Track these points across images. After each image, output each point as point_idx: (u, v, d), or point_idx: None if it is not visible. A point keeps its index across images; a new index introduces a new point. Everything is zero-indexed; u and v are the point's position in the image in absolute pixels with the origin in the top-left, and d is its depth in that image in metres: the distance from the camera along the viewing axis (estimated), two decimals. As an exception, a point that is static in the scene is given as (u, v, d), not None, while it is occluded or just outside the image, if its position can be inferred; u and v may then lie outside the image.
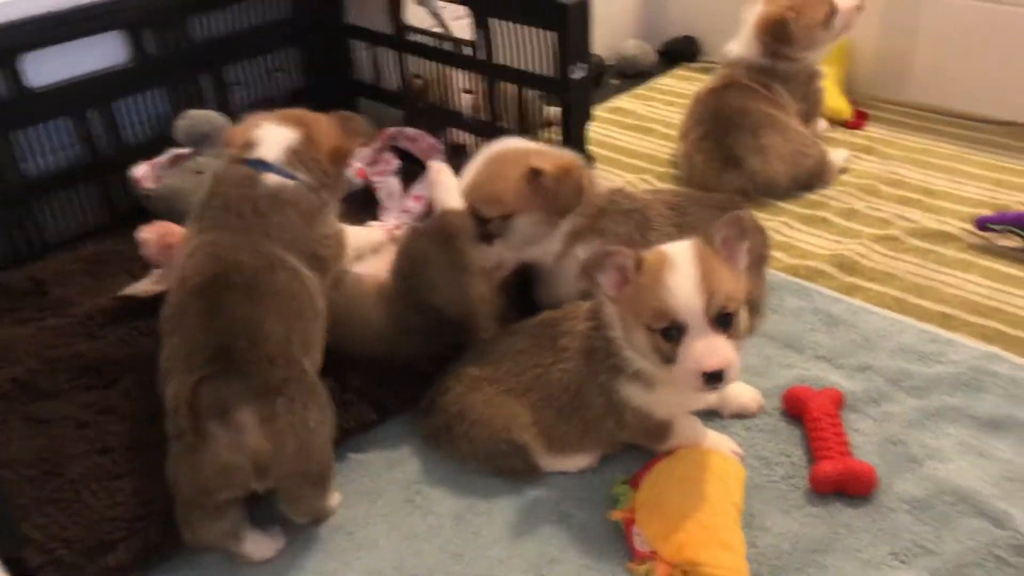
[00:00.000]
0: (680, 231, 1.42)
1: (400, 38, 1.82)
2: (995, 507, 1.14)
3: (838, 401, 1.31)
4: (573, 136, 1.52)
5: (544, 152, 1.38)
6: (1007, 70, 2.08)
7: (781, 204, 1.86)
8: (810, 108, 1.94)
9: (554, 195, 1.34)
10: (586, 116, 1.53)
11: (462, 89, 1.81)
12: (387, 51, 1.88)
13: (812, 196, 1.88)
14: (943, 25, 2.14)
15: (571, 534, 1.16)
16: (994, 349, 1.42)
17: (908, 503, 1.17)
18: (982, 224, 1.67)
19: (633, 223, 1.43)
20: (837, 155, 1.97)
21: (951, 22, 2.13)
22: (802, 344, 1.46)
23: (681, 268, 1.07)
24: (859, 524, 1.15)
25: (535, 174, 1.32)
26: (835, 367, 1.41)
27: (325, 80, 1.92)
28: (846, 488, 1.18)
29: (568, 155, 1.39)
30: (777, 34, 1.87)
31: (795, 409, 1.30)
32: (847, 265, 1.65)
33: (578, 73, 1.49)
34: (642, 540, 1.10)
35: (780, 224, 1.78)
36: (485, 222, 1.35)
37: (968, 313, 1.51)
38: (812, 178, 1.90)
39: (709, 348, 1.05)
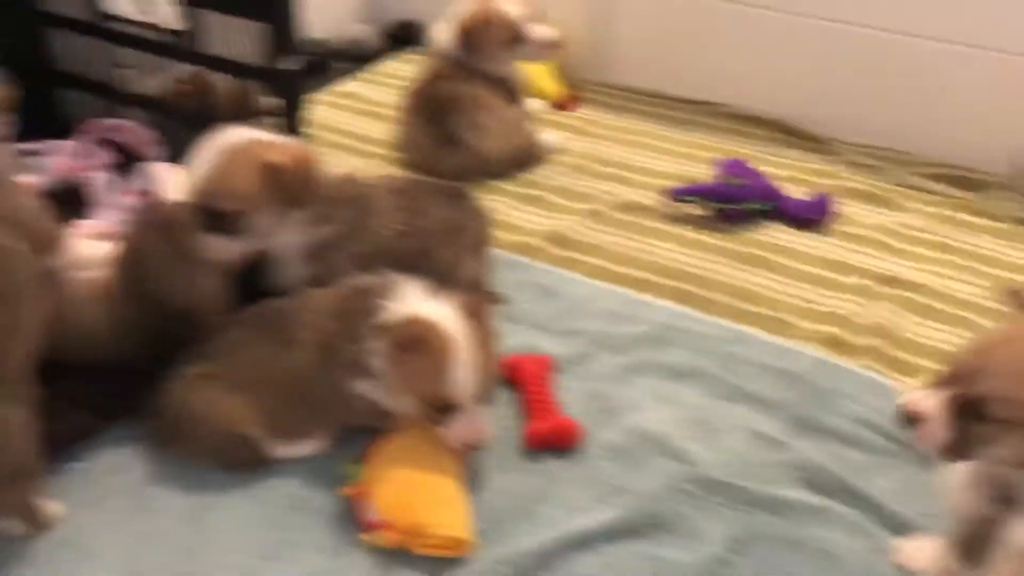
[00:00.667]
0: (405, 215, 1.49)
1: (100, 26, 1.73)
2: (681, 447, 1.31)
3: (548, 364, 1.43)
4: (291, 126, 1.53)
5: (276, 144, 1.39)
6: (697, 53, 2.32)
7: (500, 185, 1.98)
8: (512, 95, 2.07)
9: (291, 189, 1.35)
10: (301, 106, 1.55)
11: (176, 80, 1.76)
12: (89, 39, 1.78)
13: (528, 176, 2.02)
14: (640, 10, 2.35)
15: (307, 518, 1.20)
16: (683, 308, 1.61)
17: (608, 450, 1.31)
18: (677, 195, 1.87)
19: (358, 209, 1.47)
20: (549, 136, 2.12)
21: (647, 8, 2.34)
22: (520, 316, 1.58)
23: (462, 356, 1.18)
24: (568, 475, 1.27)
25: (271, 168, 1.33)
26: (548, 334, 1.54)
27: (16, 68, 1.80)
28: (556, 443, 1.31)
29: (299, 146, 1.41)
30: (467, 41, 1.98)
31: (510, 376, 1.41)
32: (560, 240, 1.80)
33: (289, 64, 1.51)
34: (373, 511, 1.16)
35: (499, 204, 1.90)
36: (220, 216, 1.34)
37: (662, 277, 1.70)
38: (526, 157, 2.03)
39: (473, 425, 1.21)
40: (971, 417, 0.93)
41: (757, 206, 1.85)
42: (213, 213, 1.34)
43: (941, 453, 0.96)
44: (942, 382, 0.96)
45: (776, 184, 1.90)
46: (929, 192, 1.99)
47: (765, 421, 1.37)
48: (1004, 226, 1.88)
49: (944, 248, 1.80)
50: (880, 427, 1.35)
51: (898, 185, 2.01)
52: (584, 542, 1.17)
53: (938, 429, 0.94)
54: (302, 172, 1.36)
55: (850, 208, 1.91)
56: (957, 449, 0.95)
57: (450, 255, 1.52)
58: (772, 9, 2.19)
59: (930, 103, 2.08)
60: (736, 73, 2.29)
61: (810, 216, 1.85)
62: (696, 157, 2.10)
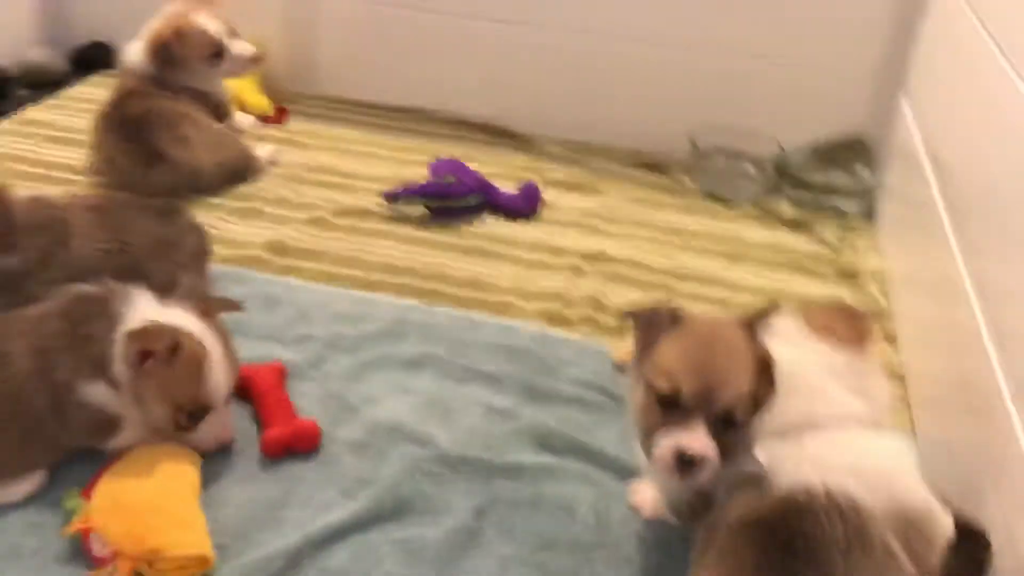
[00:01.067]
0: (109, 232, 1.42)
1: None
2: (420, 431, 1.35)
3: (280, 372, 1.42)
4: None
5: None
6: (401, 62, 2.38)
7: (215, 201, 1.92)
8: (217, 110, 2.02)
9: None
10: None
11: None
12: None
13: (244, 190, 1.98)
14: (341, 22, 2.38)
15: (23, 569, 1.10)
16: (410, 302, 1.66)
17: (349, 446, 1.32)
18: (390, 197, 1.92)
19: (52, 235, 1.38)
20: (264, 150, 2.09)
21: (347, 19, 2.37)
22: (246, 328, 1.54)
23: (215, 359, 1.19)
24: (311, 475, 1.27)
25: None
26: (278, 343, 1.52)
27: None
28: (295, 446, 1.30)
29: None
30: (160, 56, 1.92)
31: (242, 387, 1.38)
32: (281, 249, 1.78)
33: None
34: (102, 544, 1.09)
35: (216, 219, 1.84)
36: None
37: (389, 275, 1.73)
38: (239, 170, 1.99)
39: (223, 424, 1.25)
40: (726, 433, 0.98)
41: (471, 201, 1.93)
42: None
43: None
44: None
45: (486, 179, 1.99)
46: (624, 177, 2.18)
47: (497, 396, 1.44)
48: (684, 201, 2.10)
49: (640, 225, 1.98)
50: (599, 386, 1.46)
51: (597, 174, 2.18)
52: (332, 537, 1.17)
53: (712, 463, 0.96)
54: None
55: (556, 197, 2.05)
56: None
57: (164, 270, 1.46)
58: (465, 16, 2.29)
59: (617, 96, 2.27)
60: (441, 79, 2.38)
61: (520, 207, 1.97)
62: (412, 161, 2.16)
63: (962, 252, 1.36)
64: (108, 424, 1.20)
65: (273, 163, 2.08)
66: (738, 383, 0.97)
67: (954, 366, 1.31)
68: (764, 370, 0.99)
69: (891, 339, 1.65)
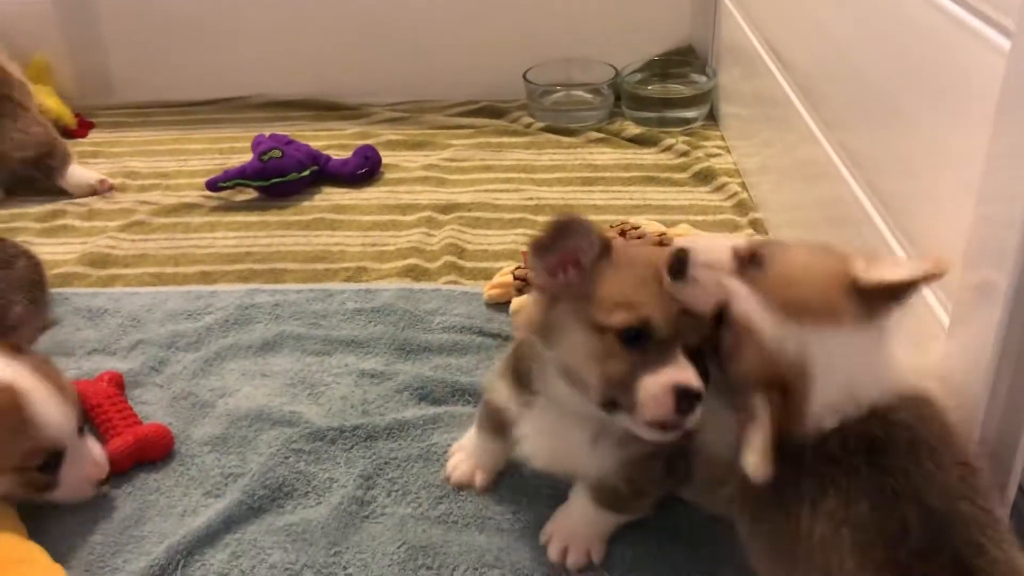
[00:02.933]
0: None
1: None
2: (286, 412, 1.20)
3: (116, 381, 1.24)
4: None
5: None
6: (203, 54, 2.21)
7: (16, 224, 1.70)
8: None
9: None
10: None
11: None
12: None
13: (49, 207, 1.77)
14: (125, 26, 2.18)
15: None
16: (253, 286, 1.50)
17: (208, 444, 1.16)
18: (212, 185, 1.75)
19: None
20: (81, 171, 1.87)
21: (131, 22, 2.17)
22: (71, 347, 1.36)
23: (39, 396, 1.01)
24: (169, 483, 1.10)
25: None
26: (109, 355, 1.34)
27: None
28: (145, 456, 1.13)
29: None
30: None
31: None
32: (99, 261, 1.59)
33: None
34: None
35: (21, 241, 1.62)
36: None
37: (224, 264, 1.57)
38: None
39: (90, 461, 1.05)
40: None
41: (303, 173, 1.79)
42: None
43: None
44: None
45: (316, 150, 1.85)
46: (463, 127, 2.07)
47: (366, 359, 1.30)
48: (528, 138, 2.01)
49: (486, 169, 1.88)
50: (473, 328, 1.35)
51: (434, 129, 2.07)
52: (203, 542, 1.01)
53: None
54: None
55: (396, 158, 1.93)
56: None
57: None
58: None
59: (443, 50, 2.17)
60: (250, 63, 2.22)
61: (357, 172, 1.83)
62: (234, 150, 1.99)
63: (823, 131, 1.32)
64: None
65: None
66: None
67: (836, 239, 1.26)
68: None
69: (762, 229, 1.61)
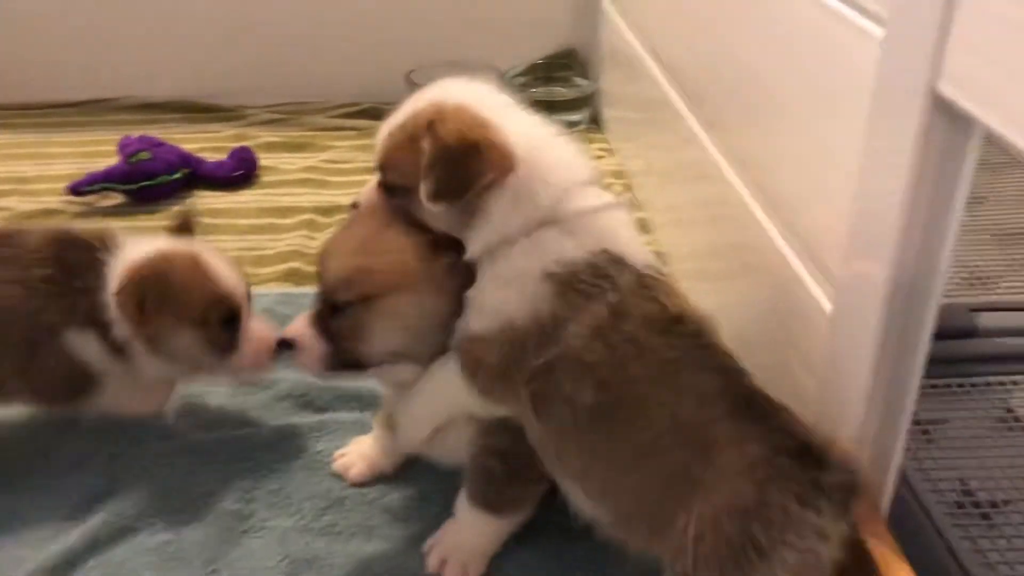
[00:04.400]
0: None
1: None
2: (157, 424, 1.13)
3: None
4: None
5: None
6: (73, 54, 2.08)
7: None
8: None
9: None
10: None
11: None
12: None
13: None
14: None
15: None
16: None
17: (73, 463, 1.07)
18: (75, 190, 1.64)
19: None
20: None
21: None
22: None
23: (215, 258, 1.05)
24: (23, 505, 1.02)
25: None
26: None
27: None
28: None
29: None
30: None
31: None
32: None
33: None
34: None
35: None
36: None
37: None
38: None
39: (259, 336, 1.04)
40: (335, 317, 0.85)
41: (174, 175, 1.70)
42: None
43: (324, 369, 0.87)
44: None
45: (188, 152, 1.77)
46: (345, 129, 2.02)
47: (244, 368, 1.24)
48: (415, 141, 1.98)
49: (369, 171, 1.81)
50: (359, 332, 1.31)
51: (315, 131, 2.02)
52: (65, 565, 0.93)
53: (312, 347, 0.86)
54: None
55: (273, 161, 1.86)
56: (338, 359, 0.87)
57: None
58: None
59: (324, 52, 2.11)
60: (121, 64, 2.11)
61: (233, 174, 1.76)
62: (101, 153, 1.87)
63: (706, 131, 1.34)
64: (84, 381, 1.03)
65: None
66: (341, 264, 0.85)
67: (721, 238, 1.28)
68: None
69: (646, 229, 1.62)
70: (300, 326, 0.87)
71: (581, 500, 0.83)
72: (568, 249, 0.80)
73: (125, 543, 0.97)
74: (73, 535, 0.96)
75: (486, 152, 0.79)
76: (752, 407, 0.75)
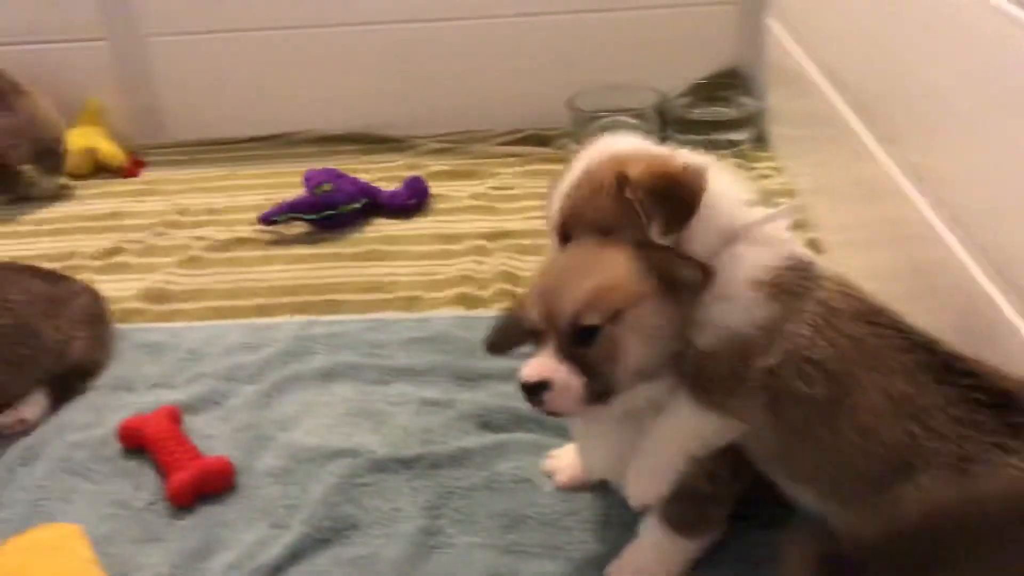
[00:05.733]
0: None
1: None
2: (347, 443, 1.20)
3: (173, 415, 1.24)
4: None
5: None
6: (250, 91, 2.24)
7: (73, 263, 1.73)
8: None
9: None
10: None
11: None
12: None
13: (104, 245, 1.79)
14: (174, 65, 2.22)
15: None
16: (310, 317, 1.51)
17: (271, 475, 1.16)
18: (266, 219, 1.76)
19: None
20: None
21: (180, 60, 2.21)
22: (132, 382, 1.37)
23: None
24: (232, 516, 1.10)
25: None
26: (170, 388, 1.35)
27: None
28: (206, 488, 1.13)
29: None
30: None
31: (134, 440, 1.21)
32: (158, 296, 1.61)
33: None
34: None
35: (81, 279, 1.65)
36: None
37: (280, 296, 1.58)
38: None
39: None
40: (584, 345, 0.82)
41: (354, 205, 1.80)
42: None
43: (581, 405, 0.83)
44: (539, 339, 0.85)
45: (366, 183, 1.86)
46: (511, 156, 2.08)
47: (425, 388, 1.30)
48: (578, 164, 2.01)
49: (535, 196, 1.87)
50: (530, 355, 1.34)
51: (482, 158, 2.08)
52: (271, 574, 1.00)
53: (568, 384, 0.82)
54: None
55: (444, 188, 1.93)
56: (592, 391, 0.83)
57: (56, 328, 1.34)
58: (302, 27, 2.16)
59: (488, 80, 2.18)
60: (295, 99, 2.24)
61: (407, 203, 1.84)
62: (284, 184, 1.99)
63: (882, 147, 1.30)
64: None
65: None
66: (579, 288, 0.82)
67: (902, 257, 1.24)
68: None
69: (818, 249, 1.58)
70: (547, 365, 0.82)
71: (797, 491, 0.87)
72: (764, 257, 0.85)
73: (323, 555, 1.03)
74: (277, 545, 1.03)
75: (687, 179, 0.84)
76: (951, 371, 0.80)
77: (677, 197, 0.83)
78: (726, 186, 0.91)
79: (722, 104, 2.07)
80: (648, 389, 0.86)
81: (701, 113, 2.05)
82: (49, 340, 1.33)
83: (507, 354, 0.97)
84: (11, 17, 2.15)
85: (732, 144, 2.00)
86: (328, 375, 1.35)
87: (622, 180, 0.85)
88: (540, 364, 0.82)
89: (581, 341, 0.82)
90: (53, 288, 1.41)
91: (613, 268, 0.83)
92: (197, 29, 2.19)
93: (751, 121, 2.02)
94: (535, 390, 0.82)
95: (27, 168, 2.02)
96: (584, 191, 0.89)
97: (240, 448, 1.21)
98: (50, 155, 2.03)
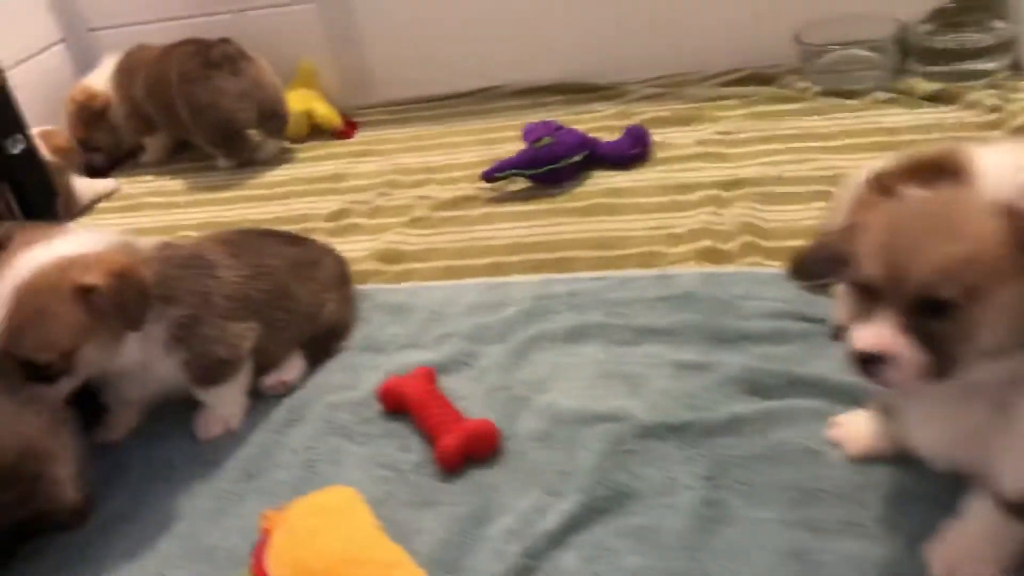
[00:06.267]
0: (245, 259, 1.30)
1: None
2: (607, 407, 1.16)
3: (430, 376, 1.24)
4: (37, 215, 1.27)
5: (83, 256, 1.09)
6: (456, 47, 2.22)
7: (308, 225, 1.77)
8: None
9: (121, 310, 1.08)
10: (47, 191, 1.29)
11: None
12: None
13: (333, 208, 1.82)
14: (382, 24, 2.22)
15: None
16: (546, 275, 1.48)
17: (534, 439, 1.13)
18: (488, 176, 1.74)
19: (197, 273, 1.23)
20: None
21: (387, 20, 2.21)
22: (381, 343, 1.38)
23: None
24: (502, 481, 1.09)
25: (89, 294, 1.05)
26: (420, 348, 1.35)
27: None
28: (475, 452, 1.12)
29: (112, 246, 1.13)
30: None
31: (394, 401, 1.21)
32: (391, 256, 1.62)
33: (16, 147, 1.25)
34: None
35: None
36: (35, 366, 1.06)
37: (511, 255, 1.56)
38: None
39: None
40: (934, 319, 0.72)
41: (575, 158, 1.74)
42: (26, 364, 1.06)
43: (921, 383, 0.73)
44: (860, 298, 0.76)
45: (585, 134, 1.81)
46: (732, 98, 1.97)
47: (679, 350, 1.24)
48: (806, 104, 1.88)
49: (765, 140, 1.77)
50: (792, 313, 1.25)
51: (700, 102, 1.98)
52: (553, 542, 0.98)
53: (909, 359, 0.72)
54: (131, 284, 1.09)
55: (665, 136, 1.85)
56: (935, 368, 0.73)
57: (310, 291, 1.37)
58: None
59: (702, 17, 2.05)
60: (502, 53, 2.20)
61: (630, 153, 1.77)
62: (498, 140, 1.98)
63: None
64: None
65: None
66: (938, 254, 0.71)
67: None
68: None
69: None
70: (888, 335, 0.73)
71: None
72: None
73: (602, 524, 1.00)
74: (554, 513, 1.01)
75: None
76: None
77: None
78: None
79: (971, 30, 1.86)
80: (999, 366, 0.74)
81: (947, 41, 1.85)
82: (304, 303, 1.36)
83: (811, 284, 0.88)
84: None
85: (984, 74, 1.81)
86: (574, 335, 1.32)
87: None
88: (879, 333, 0.73)
89: (931, 313, 0.72)
90: (302, 251, 1.44)
91: (980, 233, 0.71)
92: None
93: (1006, 47, 1.82)
94: (871, 361, 0.73)
95: (253, 132, 2.10)
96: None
97: (496, 410, 1.19)
98: (274, 118, 2.09)
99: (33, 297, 1.05)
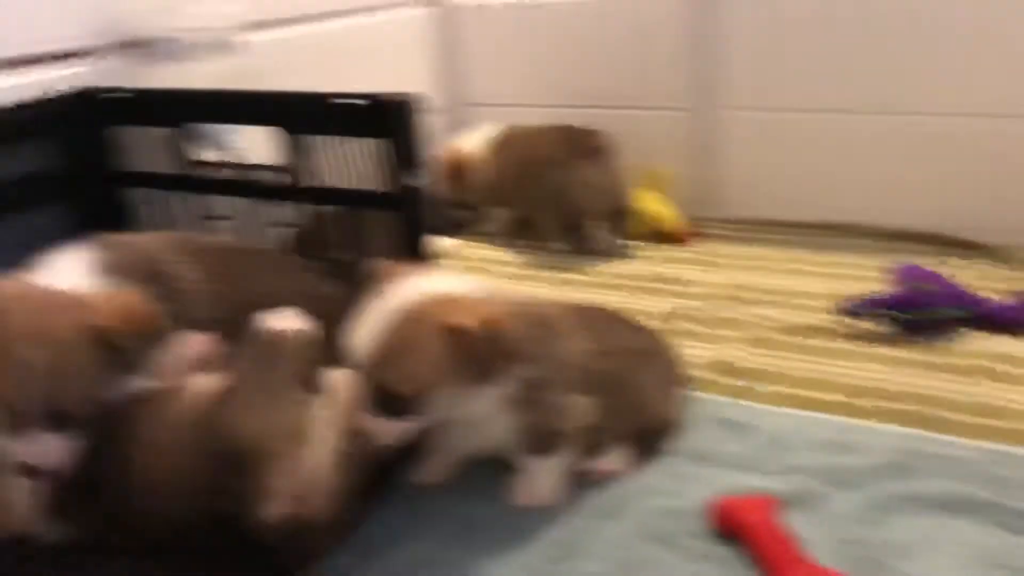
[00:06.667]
0: (591, 335, 1.23)
1: (190, 176, 1.54)
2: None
3: (773, 505, 1.10)
4: (417, 254, 1.29)
5: (458, 301, 1.06)
6: (817, 174, 2.11)
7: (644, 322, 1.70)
8: None
9: (485, 358, 1.05)
10: (426, 227, 1.32)
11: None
12: (176, 194, 1.59)
13: (666, 309, 1.75)
14: (747, 140, 2.17)
15: None
16: (912, 430, 1.29)
17: (897, 610, 0.96)
18: (851, 311, 1.59)
19: (548, 337, 1.17)
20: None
21: (754, 136, 2.16)
22: (714, 457, 1.27)
23: None
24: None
25: (458, 336, 1.02)
26: (759, 474, 1.21)
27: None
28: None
29: (484, 297, 1.10)
30: None
31: (730, 524, 1.08)
32: (728, 370, 1.51)
33: (416, 180, 1.29)
34: None
35: (644, 339, 1.62)
36: (392, 398, 1.05)
37: (870, 399, 1.39)
38: None
39: None
40: None
41: (955, 313, 1.55)
42: (385, 395, 1.05)
43: None
44: None
45: (964, 290, 1.61)
46: None
47: (1090, 553, 1.01)
48: None
49: None
50: None
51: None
52: None
53: None
54: (499, 333, 1.05)
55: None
56: None
57: (649, 382, 1.30)
58: (888, 113, 1.99)
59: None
60: (864, 188, 2.06)
61: (1018, 318, 1.55)
62: (849, 276, 1.83)
63: None
64: None
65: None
66: None
67: None
68: None
69: None
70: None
71: None
72: None
73: None
74: None
75: None
76: None
77: None
78: None
79: None
80: None
81: None
82: (638, 392, 1.27)
83: None
84: (610, 86, 2.26)
85: None
86: (946, 505, 1.12)
87: None
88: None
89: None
90: (644, 340, 1.37)
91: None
92: (769, 106, 2.13)
93: None
94: None
95: (598, 224, 2.09)
96: None
97: (848, 566, 1.02)
98: (619, 215, 2.08)
99: (407, 329, 1.04)
